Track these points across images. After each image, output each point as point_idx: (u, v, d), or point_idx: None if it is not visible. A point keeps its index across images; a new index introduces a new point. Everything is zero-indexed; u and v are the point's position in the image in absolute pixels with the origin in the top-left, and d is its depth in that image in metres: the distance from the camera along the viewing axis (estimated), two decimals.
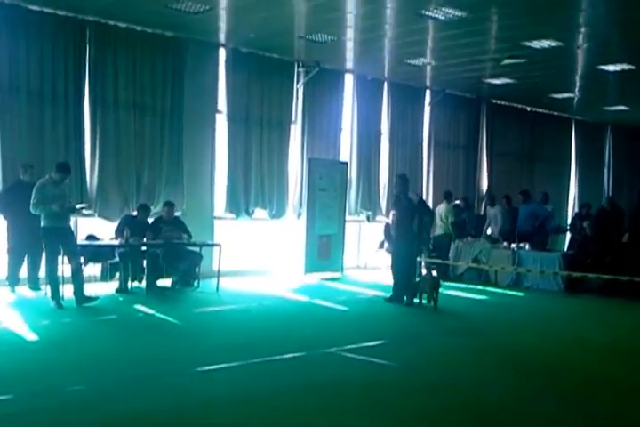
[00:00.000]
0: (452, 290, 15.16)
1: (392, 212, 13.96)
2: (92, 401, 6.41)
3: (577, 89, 19.90)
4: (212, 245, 14.24)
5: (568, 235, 20.88)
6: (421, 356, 8.85)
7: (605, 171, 26.59)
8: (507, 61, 16.31)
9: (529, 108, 22.89)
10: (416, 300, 12.69)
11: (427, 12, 13.04)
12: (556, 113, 23.64)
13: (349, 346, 9.03)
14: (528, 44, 14.92)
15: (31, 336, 9.16)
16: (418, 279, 13.14)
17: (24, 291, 12.70)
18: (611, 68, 16.77)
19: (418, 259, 14.26)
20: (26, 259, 12.77)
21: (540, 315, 12.91)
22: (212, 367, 7.69)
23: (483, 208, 20.51)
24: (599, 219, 16.74)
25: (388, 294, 13.11)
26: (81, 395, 6.59)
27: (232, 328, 10.33)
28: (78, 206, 12.34)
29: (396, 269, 13.04)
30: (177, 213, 14.39)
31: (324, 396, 6.83)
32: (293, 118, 17.09)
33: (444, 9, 12.84)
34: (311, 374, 7.72)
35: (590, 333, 11.05)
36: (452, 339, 10.11)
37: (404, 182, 13.03)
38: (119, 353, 8.46)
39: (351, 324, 11.10)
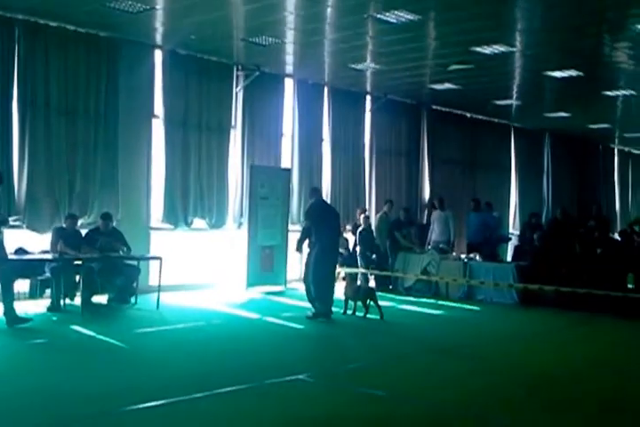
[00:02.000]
0: (404, 304, 14.63)
1: None
2: None
3: (519, 95, 19.55)
4: (153, 258, 13.36)
5: (510, 244, 20.56)
6: (402, 381, 8.15)
7: (545, 178, 26.53)
8: (454, 67, 15.85)
9: (469, 115, 22.56)
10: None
11: (377, 15, 12.50)
12: (495, 120, 23.46)
13: (318, 371, 8.39)
14: (477, 49, 14.44)
15: None
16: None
17: None
18: (558, 74, 16.46)
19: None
20: None
21: (505, 331, 12.25)
22: (158, 403, 6.81)
23: (426, 216, 20.02)
24: (552, 229, 16.27)
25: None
26: None
27: (182, 352, 9.44)
28: (12, 219, 11.41)
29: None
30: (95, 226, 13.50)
31: None
32: (233, 123, 16.30)
33: (395, 12, 12.30)
34: (282, 407, 6.92)
35: (573, 351, 10.52)
36: (429, 359, 9.52)
37: (312, 193, 13.09)
38: (55, 386, 7.46)
39: (311, 344, 10.53)
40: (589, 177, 28.59)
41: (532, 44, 14.29)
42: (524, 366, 9.15)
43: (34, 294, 12.78)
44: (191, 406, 6.84)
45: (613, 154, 31.09)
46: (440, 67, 16.10)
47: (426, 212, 20.31)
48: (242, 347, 9.95)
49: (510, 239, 21.06)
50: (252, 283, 15.68)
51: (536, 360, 9.59)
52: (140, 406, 6.69)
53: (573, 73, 16.31)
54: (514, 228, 24.13)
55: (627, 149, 31.36)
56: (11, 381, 7.65)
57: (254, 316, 12.64)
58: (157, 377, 8.00)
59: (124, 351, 9.46)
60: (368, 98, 19.53)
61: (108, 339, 10.04)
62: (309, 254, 12.41)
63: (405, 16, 12.45)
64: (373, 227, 17.32)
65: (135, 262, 13.26)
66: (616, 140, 29.12)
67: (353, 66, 16.23)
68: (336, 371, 8.57)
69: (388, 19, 12.62)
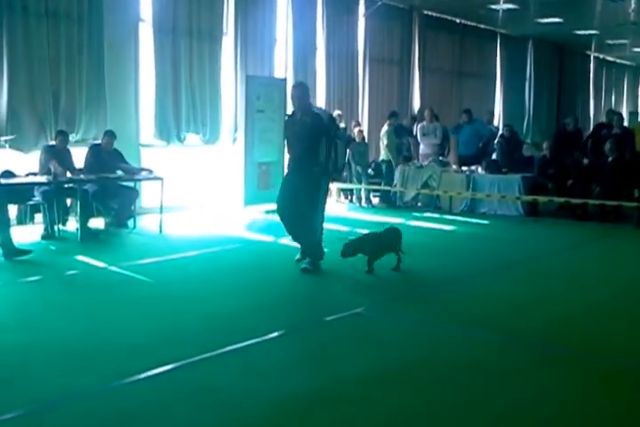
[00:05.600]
0: (410, 220, 13.88)
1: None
2: None
3: None
4: (154, 178, 12.13)
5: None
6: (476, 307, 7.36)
7: (527, 86, 25.73)
8: None
9: (458, 21, 21.37)
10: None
11: None
12: (482, 26, 22.37)
13: (371, 303, 7.71)
14: None
15: None
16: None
17: None
18: None
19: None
20: None
21: (542, 244, 11.84)
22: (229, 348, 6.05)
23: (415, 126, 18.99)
24: (559, 140, 15.45)
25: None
26: None
27: (215, 284, 8.52)
28: (3, 139, 10.16)
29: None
30: (96, 142, 12.35)
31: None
32: (225, 30, 14.90)
33: None
34: (361, 348, 6.08)
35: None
36: (485, 280, 8.76)
37: (303, 91, 9.32)
38: (100, 333, 6.47)
39: (348, 272, 9.39)
40: (567, 84, 28.20)
41: None
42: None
43: (22, 220, 11.68)
44: (265, 348, 6.16)
45: (589, 61, 30.74)
46: None
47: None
48: (275, 277, 9.03)
49: (495, 150, 20.23)
50: (249, 201, 14.56)
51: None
52: (214, 352, 5.98)
53: None
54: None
55: (602, 56, 30.98)
56: (43, 327, 6.63)
57: (268, 239, 11.65)
58: (205, 317, 7.05)
59: (149, 286, 8.43)
60: (362, 2, 18.21)
61: (123, 271, 9.03)
62: (313, 183, 9.04)
63: None
64: (380, 141, 16.29)
65: (132, 184, 12.18)
66: (593, 47, 28.46)
67: None
68: (394, 302, 7.87)
69: None
